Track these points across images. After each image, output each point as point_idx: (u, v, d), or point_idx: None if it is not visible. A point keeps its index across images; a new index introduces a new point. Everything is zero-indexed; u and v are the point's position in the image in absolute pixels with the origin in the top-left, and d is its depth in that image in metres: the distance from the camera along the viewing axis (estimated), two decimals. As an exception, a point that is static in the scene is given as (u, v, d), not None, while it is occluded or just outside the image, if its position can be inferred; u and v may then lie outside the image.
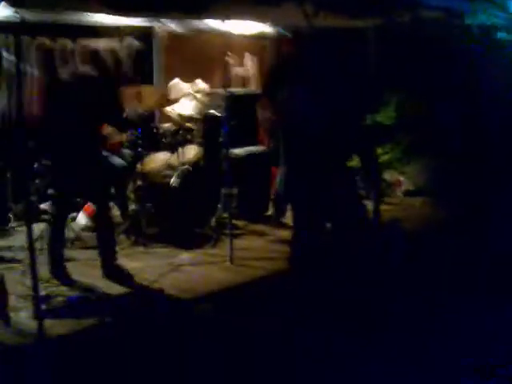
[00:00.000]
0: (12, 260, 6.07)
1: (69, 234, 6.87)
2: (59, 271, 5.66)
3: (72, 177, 5.57)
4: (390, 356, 4.28)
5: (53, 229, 5.73)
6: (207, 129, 7.41)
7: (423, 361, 4.21)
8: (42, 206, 7.22)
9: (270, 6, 5.59)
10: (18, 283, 5.37)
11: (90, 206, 7.21)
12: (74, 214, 7.45)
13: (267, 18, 6.67)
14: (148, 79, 8.69)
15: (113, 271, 5.74)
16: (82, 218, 7.30)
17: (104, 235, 5.78)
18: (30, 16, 6.90)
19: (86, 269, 6.02)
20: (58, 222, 5.79)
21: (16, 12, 4.36)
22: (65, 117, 5.50)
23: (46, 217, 7.09)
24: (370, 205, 6.22)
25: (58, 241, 5.74)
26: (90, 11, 6.33)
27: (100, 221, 5.82)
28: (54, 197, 5.86)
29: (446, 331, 4.63)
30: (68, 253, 6.47)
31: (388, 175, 8.98)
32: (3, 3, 4.50)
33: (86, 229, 7.04)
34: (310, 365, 4.19)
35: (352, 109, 5.90)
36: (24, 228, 6.31)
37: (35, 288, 5.21)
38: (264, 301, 5.15)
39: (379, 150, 9.15)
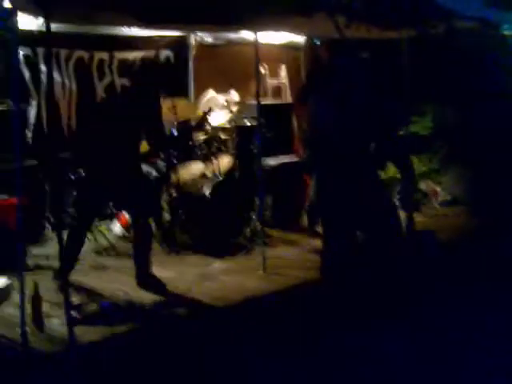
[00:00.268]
0: (48, 268, 6.14)
1: (103, 242, 7.01)
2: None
3: (108, 189, 5.64)
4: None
5: (72, 236, 5.72)
6: (241, 139, 7.45)
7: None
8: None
9: (302, 16, 5.60)
10: (52, 290, 5.43)
11: (124, 216, 7.33)
12: (108, 223, 7.58)
13: (300, 29, 6.68)
14: (183, 91, 8.79)
15: (146, 280, 5.80)
16: (116, 227, 7.42)
17: (141, 244, 5.83)
18: (65, 28, 7.13)
19: (119, 276, 6.11)
20: (79, 231, 5.80)
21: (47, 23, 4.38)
22: (102, 130, 5.58)
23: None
24: (404, 214, 6.26)
25: (73, 250, 5.69)
26: (123, 24, 6.44)
27: (139, 231, 5.85)
28: (82, 205, 5.87)
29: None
30: (101, 260, 6.59)
31: (424, 185, 8.94)
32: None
33: (120, 238, 7.15)
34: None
35: (385, 118, 5.90)
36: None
37: (67, 295, 5.37)
38: (296, 310, 5.16)
39: (416, 161, 9.12)
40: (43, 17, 4.23)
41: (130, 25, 6.24)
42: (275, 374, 4.16)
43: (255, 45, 6.20)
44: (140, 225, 5.79)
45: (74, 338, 4.31)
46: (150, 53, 8.52)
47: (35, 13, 4.46)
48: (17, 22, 4.37)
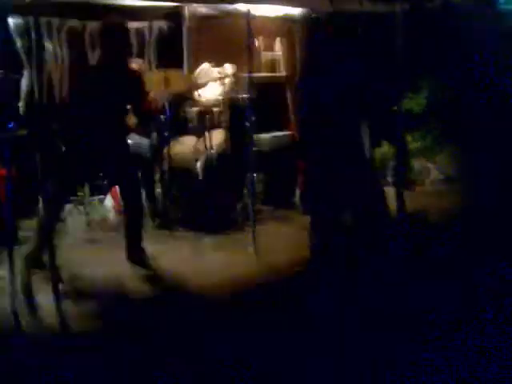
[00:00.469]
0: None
1: (95, 215, 6.97)
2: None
3: (95, 160, 5.57)
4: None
5: (49, 209, 5.58)
6: (233, 113, 7.38)
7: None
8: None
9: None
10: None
11: (116, 190, 7.28)
12: (101, 197, 7.54)
13: (292, 2, 6.59)
14: (178, 63, 8.69)
15: (137, 254, 5.76)
16: (108, 201, 7.37)
17: (132, 219, 5.77)
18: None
19: (109, 250, 6.08)
20: (58, 203, 5.73)
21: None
22: (90, 102, 5.50)
23: (73, 198, 7.20)
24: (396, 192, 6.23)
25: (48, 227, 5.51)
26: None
27: (128, 204, 5.80)
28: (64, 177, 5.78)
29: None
30: (93, 234, 6.56)
31: (417, 163, 8.90)
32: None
33: (112, 212, 7.11)
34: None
35: (377, 94, 5.84)
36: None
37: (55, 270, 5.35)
38: (283, 289, 5.13)
39: (409, 138, 9.09)
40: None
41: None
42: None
43: (247, 17, 6.09)
44: (130, 199, 5.73)
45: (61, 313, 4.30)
46: (144, 23, 8.43)
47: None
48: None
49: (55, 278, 4.67)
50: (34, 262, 5.25)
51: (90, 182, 7.01)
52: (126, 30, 6.22)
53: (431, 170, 8.86)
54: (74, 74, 7.57)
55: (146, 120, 6.21)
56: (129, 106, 5.69)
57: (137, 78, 5.71)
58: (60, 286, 4.97)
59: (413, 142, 9.17)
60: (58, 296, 4.58)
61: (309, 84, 5.31)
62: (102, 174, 6.63)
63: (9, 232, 4.67)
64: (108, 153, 5.50)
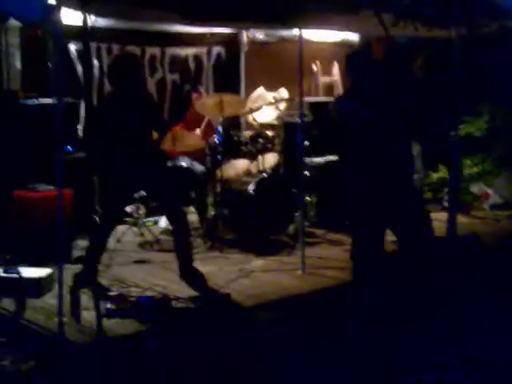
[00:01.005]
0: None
1: (148, 236, 7.10)
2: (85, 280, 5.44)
3: (137, 182, 5.71)
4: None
5: (97, 234, 5.78)
6: (287, 137, 7.43)
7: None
8: (127, 208, 7.45)
9: (348, 14, 5.55)
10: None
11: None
12: (157, 218, 7.68)
13: (345, 27, 6.62)
14: (235, 87, 8.83)
15: (188, 274, 5.83)
16: (163, 222, 7.50)
17: (179, 237, 5.86)
18: (118, 24, 7.24)
19: (160, 270, 6.18)
20: (106, 226, 5.80)
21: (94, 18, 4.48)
22: (117, 125, 5.61)
23: (128, 219, 7.36)
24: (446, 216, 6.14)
25: (97, 248, 5.69)
26: (166, 21, 6.49)
27: (176, 223, 5.90)
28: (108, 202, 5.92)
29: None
30: (145, 254, 6.67)
31: (475, 187, 8.75)
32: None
33: (165, 232, 7.23)
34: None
35: (432, 119, 5.79)
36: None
37: (105, 288, 5.47)
38: (329, 310, 5.11)
39: (468, 162, 8.96)
40: (82, 11, 4.29)
41: (173, 22, 6.27)
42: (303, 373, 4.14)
43: (300, 42, 6.15)
44: (176, 217, 5.84)
45: (105, 331, 4.38)
46: (202, 49, 8.60)
47: (78, 7, 4.50)
48: (60, 17, 4.42)
49: (98, 297, 4.75)
50: (84, 281, 5.37)
51: (145, 203, 7.16)
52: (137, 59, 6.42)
53: (490, 194, 8.68)
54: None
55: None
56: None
57: (150, 99, 5.98)
58: (108, 305, 5.09)
59: (472, 166, 9.04)
60: (100, 315, 4.66)
61: (352, 106, 5.29)
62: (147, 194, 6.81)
63: (61, 251, 4.77)
64: (148, 174, 5.62)
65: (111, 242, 6.28)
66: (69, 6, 4.51)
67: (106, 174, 5.90)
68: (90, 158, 6.66)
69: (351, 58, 5.27)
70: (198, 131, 7.44)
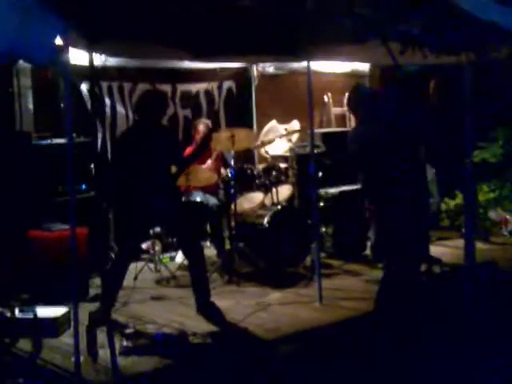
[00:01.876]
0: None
1: (165, 272, 7.08)
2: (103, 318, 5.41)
3: (152, 218, 5.75)
4: None
5: (113, 271, 5.78)
6: (300, 168, 7.42)
7: None
8: (143, 245, 7.46)
9: (355, 44, 5.55)
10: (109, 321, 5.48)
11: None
12: (173, 254, 7.67)
13: (352, 57, 6.63)
14: (246, 121, 8.86)
15: (205, 308, 5.81)
16: (179, 258, 7.48)
17: (195, 272, 5.86)
18: (128, 62, 7.31)
19: (177, 306, 6.15)
20: (122, 263, 5.84)
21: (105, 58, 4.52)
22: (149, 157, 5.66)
23: (145, 256, 7.36)
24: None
25: (113, 285, 5.70)
26: (175, 58, 6.54)
27: (192, 258, 5.90)
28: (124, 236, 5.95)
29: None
30: (162, 290, 6.65)
31: (493, 213, 8.67)
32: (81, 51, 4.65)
33: (182, 268, 7.20)
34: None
35: (446, 146, 5.77)
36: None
37: (122, 326, 5.43)
38: (348, 343, 5.05)
39: (485, 188, 8.91)
40: (89, 51, 4.32)
41: (182, 58, 6.31)
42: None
43: (308, 74, 6.17)
44: (191, 251, 5.85)
45: (120, 369, 4.34)
46: (213, 84, 8.66)
47: (85, 47, 4.54)
48: (69, 58, 4.46)
49: (113, 336, 4.72)
50: (100, 319, 5.34)
51: (161, 239, 7.17)
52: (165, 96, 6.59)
53: (509, 220, 8.59)
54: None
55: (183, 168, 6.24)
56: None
57: (171, 135, 6.10)
58: (125, 343, 5.06)
59: (489, 192, 8.98)
60: (116, 353, 4.63)
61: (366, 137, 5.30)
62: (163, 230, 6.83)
63: (75, 289, 4.75)
64: (165, 210, 5.62)
65: (128, 279, 6.28)
66: (76, 47, 4.54)
67: (123, 210, 5.92)
68: (105, 195, 6.67)
69: (353, 94, 5.34)
70: (209, 163, 7.47)
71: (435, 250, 7.16)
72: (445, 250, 7.67)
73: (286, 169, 7.49)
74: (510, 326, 5.05)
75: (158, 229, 7.01)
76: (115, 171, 5.96)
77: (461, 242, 6.56)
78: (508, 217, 8.64)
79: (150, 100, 5.90)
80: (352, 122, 9.73)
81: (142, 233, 6.11)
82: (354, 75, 9.74)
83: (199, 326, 5.54)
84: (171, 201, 5.74)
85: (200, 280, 5.84)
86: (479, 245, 7.00)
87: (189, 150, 7.57)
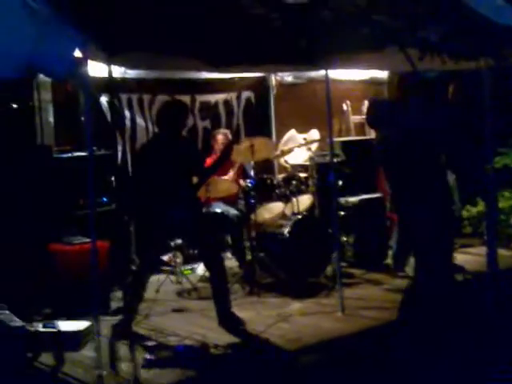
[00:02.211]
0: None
1: (186, 284, 7.07)
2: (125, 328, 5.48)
3: (170, 229, 5.77)
4: None
5: (134, 283, 5.80)
6: (320, 177, 7.39)
7: None
8: (164, 257, 7.46)
9: (373, 52, 5.53)
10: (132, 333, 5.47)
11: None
12: (194, 266, 7.66)
13: (371, 65, 6.59)
14: (265, 130, 8.85)
15: (226, 320, 5.80)
16: (200, 269, 7.48)
17: (216, 283, 5.86)
18: (148, 74, 7.35)
19: (198, 319, 6.13)
20: (143, 275, 5.87)
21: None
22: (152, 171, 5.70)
23: (166, 268, 7.35)
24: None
25: (135, 298, 5.75)
26: (193, 69, 6.56)
27: (213, 270, 5.90)
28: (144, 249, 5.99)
29: None
30: (183, 302, 6.64)
31: (516, 220, 8.60)
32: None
33: (203, 280, 7.20)
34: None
35: (466, 153, 5.72)
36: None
37: (144, 338, 5.42)
38: (371, 352, 5.00)
39: (507, 194, 8.82)
40: (108, 64, 4.34)
41: (200, 69, 6.32)
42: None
43: (327, 82, 6.15)
44: (211, 262, 5.86)
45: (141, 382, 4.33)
46: (231, 94, 8.67)
47: (104, 60, 4.55)
48: (87, 70, 4.47)
49: (135, 348, 4.71)
50: (122, 332, 5.35)
51: (182, 251, 7.16)
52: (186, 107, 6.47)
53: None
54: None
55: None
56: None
57: (193, 146, 6.09)
58: (147, 356, 5.05)
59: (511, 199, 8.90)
60: (138, 366, 4.62)
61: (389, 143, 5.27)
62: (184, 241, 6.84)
63: (95, 302, 4.75)
64: (185, 221, 5.62)
65: (149, 292, 6.28)
66: (95, 60, 4.55)
67: (143, 222, 5.92)
68: (125, 207, 6.68)
69: (370, 112, 5.34)
70: (230, 174, 7.46)
71: (458, 257, 7.08)
72: (467, 257, 7.59)
73: (306, 178, 7.45)
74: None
75: (179, 241, 6.99)
76: (136, 183, 5.97)
77: (483, 250, 6.50)
78: (530, 223, 8.55)
79: (171, 111, 5.94)
80: (372, 131, 9.69)
81: (162, 245, 6.12)
82: (373, 83, 9.72)
83: (221, 337, 5.52)
84: (192, 212, 5.75)
85: (221, 291, 5.84)
86: (502, 252, 6.94)
87: (209, 161, 7.59)
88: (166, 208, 5.58)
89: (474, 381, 4.38)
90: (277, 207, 7.34)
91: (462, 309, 4.95)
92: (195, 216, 5.82)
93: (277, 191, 7.21)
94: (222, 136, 7.61)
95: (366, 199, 7.77)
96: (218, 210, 7.18)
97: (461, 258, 7.08)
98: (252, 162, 7.03)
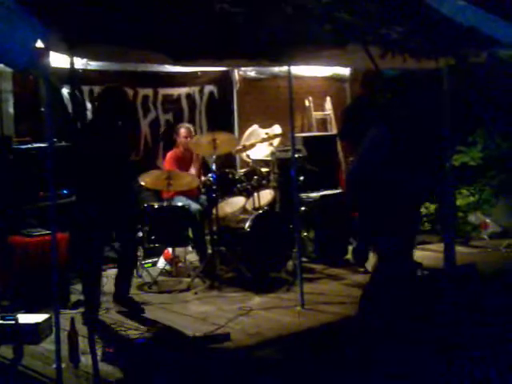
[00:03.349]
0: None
1: (147, 278, 7.05)
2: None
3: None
4: None
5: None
6: (282, 173, 7.41)
7: None
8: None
9: (335, 49, 5.57)
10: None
11: (168, 251, 7.38)
12: (155, 259, 7.64)
13: (333, 62, 6.63)
14: (228, 125, 8.85)
15: (124, 304, 6.10)
16: (161, 263, 7.47)
17: (124, 266, 6.14)
18: (110, 66, 7.30)
19: (158, 312, 6.12)
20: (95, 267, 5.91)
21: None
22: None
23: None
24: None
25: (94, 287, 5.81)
26: (154, 62, 6.55)
27: (125, 252, 6.15)
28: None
29: None
30: (143, 296, 6.62)
31: (473, 217, 8.73)
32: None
33: (163, 273, 7.20)
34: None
35: (429, 150, 5.78)
36: (109, 272, 6.56)
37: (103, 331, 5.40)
38: (329, 347, 5.05)
39: (464, 192, 8.97)
40: (70, 55, 4.31)
41: (162, 62, 6.31)
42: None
43: (289, 78, 6.18)
44: (127, 246, 6.13)
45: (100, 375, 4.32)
46: (194, 88, 8.65)
47: (65, 51, 4.51)
48: (49, 61, 4.43)
49: (95, 342, 4.69)
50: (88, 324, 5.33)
51: (142, 245, 7.13)
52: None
53: (488, 224, 8.65)
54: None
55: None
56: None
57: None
58: (107, 349, 5.03)
59: (469, 196, 9.05)
60: (97, 359, 4.61)
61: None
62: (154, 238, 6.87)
63: (55, 295, 4.72)
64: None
65: (110, 285, 6.26)
66: (57, 51, 4.51)
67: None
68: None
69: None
70: (193, 170, 7.45)
71: (416, 253, 7.17)
72: (425, 253, 7.70)
73: (268, 173, 7.47)
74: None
75: (140, 234, 6.97)
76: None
77: (441, 246, 6.61)
78: (488, 220, 8.70)
79: (109, 97, 6.05)
80: (333, 127, 9.78)
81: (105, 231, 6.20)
82: (335, 79, 9.81)
83: (181, 331, 5.53)
84: (125, 198, 6.02)
85: (125, 276, 6.15)
86: (459, 248, 7.06)
87: (170, 155, 7.59)
88: (103, 195, 5.65)
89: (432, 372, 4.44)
90: (238, 202, 7.35)
91: (421, 304, 5.02)
92: (129, 204, 6.05)
93: (238, 186, 7.22)
94: (184, 130, 7.60)
95: (327, 195, 7.83)
96: (180, 204, 7.16)
97: (419, 254, 7.19)
98: (214, 156, 7.01)
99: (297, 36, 5.30)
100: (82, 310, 5.92)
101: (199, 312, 6.05)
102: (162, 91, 8.36)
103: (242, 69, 8.80)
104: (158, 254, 7.59)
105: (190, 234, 7.25)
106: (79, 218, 5.20)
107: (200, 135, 7.98)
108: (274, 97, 9.04)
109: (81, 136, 6.03)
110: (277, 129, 8.12)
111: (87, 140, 5.70)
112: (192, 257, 7.64)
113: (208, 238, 7.32)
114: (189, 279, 6.94)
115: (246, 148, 7.59)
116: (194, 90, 8.66)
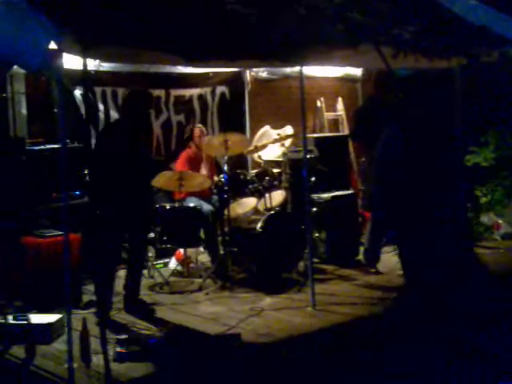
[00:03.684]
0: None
1: (159, 278, 7.07)
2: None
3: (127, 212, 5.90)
4: None
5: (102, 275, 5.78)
6: (293, 173, 7.41)
7: None
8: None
9: (347, 49, 5.57)
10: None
11: (180, 252, 7.39)
12: (166, 260, 7.66)
13: (345, 62, 6.63)
14: (240, 126, 8.85)
15: (134, 305, 6.09)
16: (172, 264, 7.48)
17: (135, 267, 6.18)
18: (123, 67, 7.34)
19: (170, 313, 6.13)
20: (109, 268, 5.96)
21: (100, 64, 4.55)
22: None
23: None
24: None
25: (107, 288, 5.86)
26: (170, 63, 6.56)
27: (136, 253, 6.19)
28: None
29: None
30: (155, 297, 6.64)
31: (486, 218, 8.69)
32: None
33: (174, 274, 7.21)
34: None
35: (441, 150, 5.78)
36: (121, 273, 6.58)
37: (114, 331, 5.41)
38: (339, 347, 5.05)
39: (477, 192, 8.93)
40: (83, 57, 4.33)
41: (175, 64, 6.34)
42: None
43: (301, 79, 6.17)
44: (138, 248, 6.20)
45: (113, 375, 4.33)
46: (206, 89, 8.67)
47: (78, 53, 4.54)
48: (62, 63, 4.45)
49: (107, 342, 4.71)
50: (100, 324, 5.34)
51: (154, 245, 7.15)
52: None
53: (501, 224, 8.61)
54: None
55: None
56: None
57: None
58: (119, 349, 5.05)
59: (482, 196, 9.00)
60: (109, 359, 4.63)
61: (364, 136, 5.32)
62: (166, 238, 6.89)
63: (68, 295, 4.74)
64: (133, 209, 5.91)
65: (122, 286, 6.27)
66: (70, 52, 4.54)
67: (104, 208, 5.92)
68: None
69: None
70: (204, 171, 7.46)
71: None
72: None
73: (279, 174, 7.48)
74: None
75: (151, 235, 6.99)
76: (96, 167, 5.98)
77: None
78: (500, 221, 8.66)
79: (133, 101, 6.11)
80: (344, 127, 9.77)
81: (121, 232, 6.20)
82: (347, 80, 9.79)
83: (193, 331, 5.54)
84: (143, 202, 6.04)
85: (135, 277, 6.16)
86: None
87: (183, 155, 7.61)
88: (121, 196, 5.70)
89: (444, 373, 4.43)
90: (250, 202, 7.36)
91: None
92: (146, 206, 6.12)
93: (250, 186, 7.23)
94: (198, 130, 7.65)
95: (338, 196, 7.82)
96: (192, 205, 7.17)
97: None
98: (226, 157, 7.02)
99: (309, 36, 5.31)
100: (93, 310, 5.94)
101: (210, 312, 6.06)
102: (174, 92, 8.38)
103: (254, 69, 8.80)
104: (170, 254, 7.60)
105: (202, 234, 7.27)
106: (93, 218, 5.22)
107: (212, 136, 7.98)
108: (285, 97, 9.03)
109: (104, 137, 6.09)
110: (288, 129, 8.12)
111: (111, 141, 5.74)
112: (203, 257, 7.64)
113: (220, 238, 7.34)
114: (200, 280, 6.94)
115: (257, 149, 7.59)
116: (206, 90, 8.67)
